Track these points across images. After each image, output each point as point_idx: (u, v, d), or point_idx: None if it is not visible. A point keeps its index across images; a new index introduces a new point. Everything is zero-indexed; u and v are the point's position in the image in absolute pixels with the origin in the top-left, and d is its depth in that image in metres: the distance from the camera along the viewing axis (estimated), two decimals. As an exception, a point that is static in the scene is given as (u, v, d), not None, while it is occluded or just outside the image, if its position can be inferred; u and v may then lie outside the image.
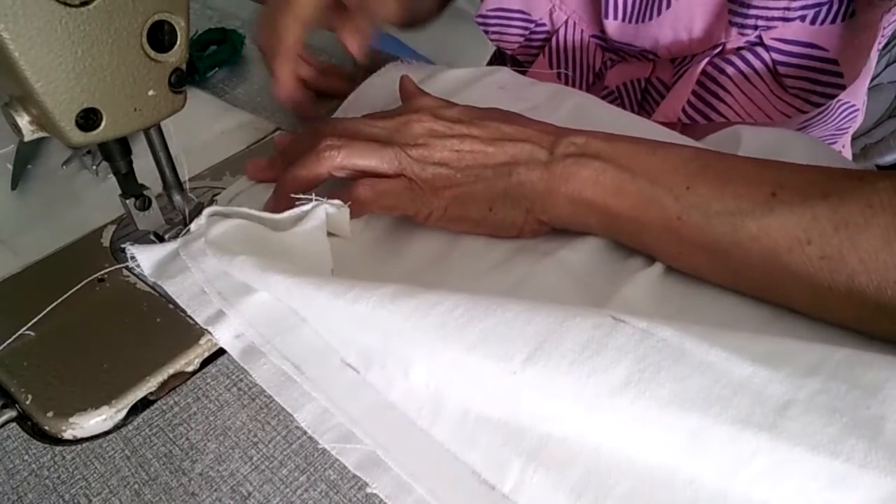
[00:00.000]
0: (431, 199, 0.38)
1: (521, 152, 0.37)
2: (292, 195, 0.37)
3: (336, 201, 0.36)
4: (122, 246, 0.38)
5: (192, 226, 0.39)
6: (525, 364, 0.27)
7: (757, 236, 0.31)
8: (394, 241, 0.40)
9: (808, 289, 0.30)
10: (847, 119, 0.55)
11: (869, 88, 0.57)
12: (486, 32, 0.59)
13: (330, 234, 0.38)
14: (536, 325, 0.28)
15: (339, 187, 0.38)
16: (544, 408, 0.28)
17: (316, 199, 0.36)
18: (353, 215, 0.37)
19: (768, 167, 0.33)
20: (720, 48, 0.51)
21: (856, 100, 0.54)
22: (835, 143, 0.59)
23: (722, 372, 0.26)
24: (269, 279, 0.33)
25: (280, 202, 0.38)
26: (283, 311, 0.35)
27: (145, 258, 0.38)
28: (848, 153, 0.62)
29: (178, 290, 0.36)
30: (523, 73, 0.60)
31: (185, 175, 0.40)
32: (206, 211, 0.38)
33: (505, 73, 0.52)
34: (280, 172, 0.40)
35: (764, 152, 0.39)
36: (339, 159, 0.38)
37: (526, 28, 0.59)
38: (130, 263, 0.38)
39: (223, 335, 0.35)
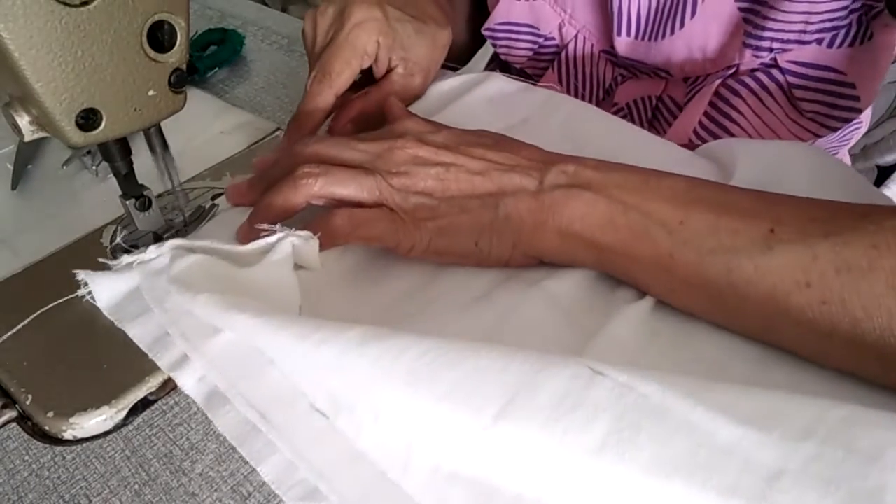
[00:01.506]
0: (413, 230, 0.35)
1: (508, 182, 0.35)
2: (258, 226, 0.35)
3: (304, 233, 0.34)
4: (74, 272, 0.35)
5: (151, 253, 0.35)
6: (496, 419, 0.25)
7: (753, 278, 0.29)
8: (372, 270, 0.38)
9: (809, 335, 0.29)
10: (850, 132, 0.55)
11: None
12: (494, 46, 0.58)
13: (301, 266, 0.36)
14: (510, 374, 0.26)
15: (317, 214, 0.36)
16: (516, 467, 0.26)
17: (283, 230, 0.34)
18: (328, 245, 0.35)
19: (766, 200, 0.31)
20: (734, 69, 0.50)
21: (861, 115, 0.54)
22: (836, 152, 0.59)
23: (707, 434, 0.23)
24: (234, 319, 0.31)
25: (252, 231, 0.36)
26: (250, 353, 0.32)
27: (102, 289, 0.35)
28: (846, 156, 0.62)
29: (140, 333, 0.34)
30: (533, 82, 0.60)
31: (180, 177, 0.40)
32: (169, 244, 0.35)
33: (495, 82, 0.51)
34: (258, 196, 0.39)
35: (766, 166, 0.38)
36: (317, 188, 0.36)
37: (534, 42, 0.58)
38: (82, 291, 0.35)
39: (186, 381, 0.32)
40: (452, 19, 0.53)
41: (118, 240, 0.41)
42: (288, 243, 0.34)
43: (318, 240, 0.34)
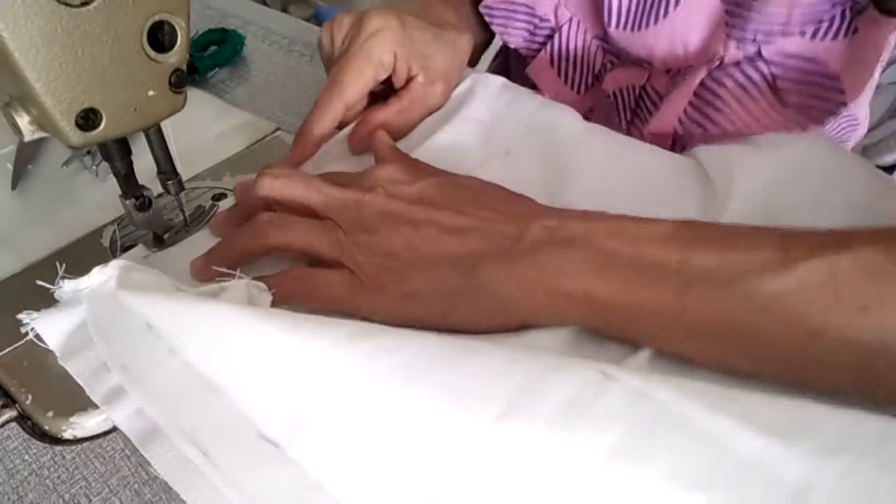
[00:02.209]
0: (375, 296, 0.33)
1: (485, 245, 0.32)
2: (214, 267, 0.34)
3: (260, 284, 0.33)
4: (19, 317, 0.33)
5: (96, 276, 0.34)
6: (498, 421, 0.23)
7: (777, 298, 0.26)
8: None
9: (846, 355, 0.25)
10: (847, 130, 0.55)
11: (869, 89, 0.57)
12: (491, 24, 0.58)
13: None
14: (515, 376, 0.24)
15: (273, 274, 0.35)
16: (516, 477, 0.23)
17: (239, 276, 0.33)
18: (282, 303, 0.33)
19: (765, 230, 0.29)
20: (719, 61, 0.50)
21: (857, 111, 0.54)
22: None
23: (728, 446, 0.22)
24: (212, 311, 0.29)
25: (207, 269, 0.35)
26: (194, 383, 0.30)
27: (49, 329, 0.33)
28: None
29: (79, 368, 0.32)
30: (524, 64, 0.60)
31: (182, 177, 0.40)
32: (112, 264, 0.34)
33: (478, 104, 0.49)
34: (237, 223, 0.38)
35: (776, 167, 0.37)
36: (274, 239, 0.35)
37: (530, 23, 0.58)
38: (30, 335, 0.33)
39: (120, 414, 0.30)
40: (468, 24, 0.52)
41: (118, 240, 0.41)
42: (243, 286, 0.32)
43: (272, 294, 0.33)
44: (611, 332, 0.31)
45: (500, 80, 0.52)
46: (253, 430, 0.28)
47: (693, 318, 0.28)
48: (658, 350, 0.30)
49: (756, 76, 0.50)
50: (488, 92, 0.50)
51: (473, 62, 0.64)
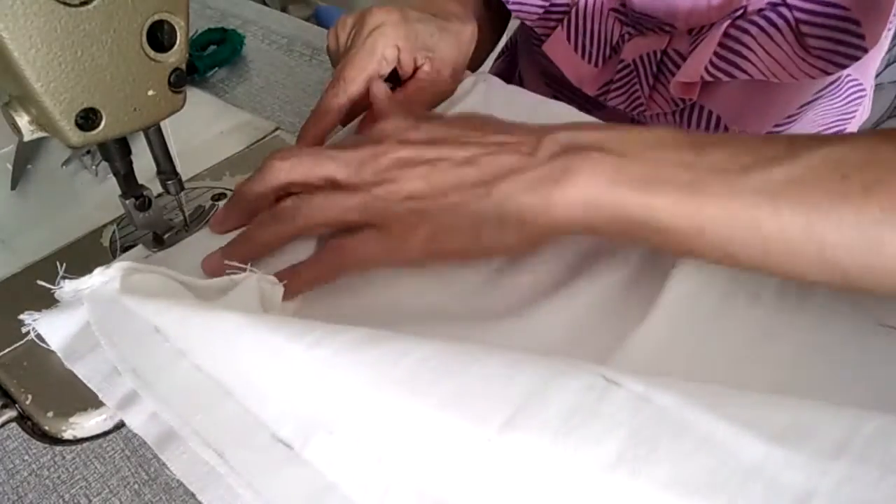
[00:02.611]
0: (408, 242, 0.34)
1: (500, 166, 0.33)
2: (226, 262, 0.33)
3: (271, 277, 0.33)
4: (21, 317, 0.33)
5: (97, 277, 0.33)
6: (503, 430, 0.23)
7: (787, 184, 0.28)
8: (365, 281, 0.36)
9: (854, 234, 0.27)
10: (854, 100, 0.55)
11: (869, 88, 0.57)
12: (507, 2, 0.58)
13: None
14: (519, 383, 0.24)
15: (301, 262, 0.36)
16: (520, 483, 0.24)
17: (251, 270, 0.33)
18: (323, 282, 0.35)
19: (772, 135, 0.31)
20: (742, 10, 0.50)
21: (863, 79, 0.53)
22: (843, 129, 0.59)
23: (731, 452, 0.22)
24: (217, 319, 0.29)
25: (222, 265, 0.34)
26: (205, 386, 0.30)
27: (52, 330, 0.33)
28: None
29: (88, 372, 0.32)
30: (540, 43, 0.60)
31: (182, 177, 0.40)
32: (116, 265, 0.33)
33: (476, 103, 0.49)
34: (237, 223, 0.38)
35: None
36: (302, 221, 0.35)
37: (546, 0, 0.59)
38: (31, 336, 0.33)
39: (135, 419, 0.30)
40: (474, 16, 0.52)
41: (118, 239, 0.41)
42: (254, 281, 0.33)
43: (283, 287, 0.33)
44: (629, 236, 0.31)
45: (496, 80, 0.52)
46: (267, 432, 0.28)
47: (707, 211, 0.29)
48: (663, 332, 0.31)
49: (780, 21, 0.50)
50: (485, 91, 0.50)
51: (479, 62, 0.64)
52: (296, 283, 0.35)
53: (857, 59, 0.49)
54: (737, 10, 0.50)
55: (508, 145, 0.34)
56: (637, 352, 0.31)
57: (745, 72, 0.51)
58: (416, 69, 0.47)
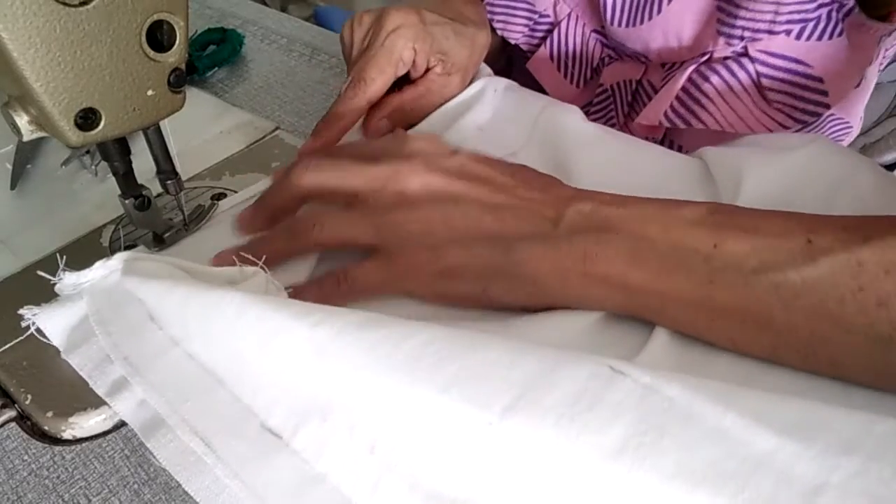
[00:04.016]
0: (412, 276, 0.34)
1: (522, 225, 0.33)
2: (236, 256, 0.34)
3: (277, 283, 0.33)
4: (20, 312, 0.33)
5: (98, 270, 0.34)
6: (504, 414, 0.23)
7: (802, 291, 0.27)
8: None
9: (864, 346, 0.27)
10: (838, 134, 0.55)
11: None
12: (492, 21, 0.59)
13: None
14: (523, 369, 0.24)
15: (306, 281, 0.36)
16: (521, 471, 0.23)
17: (261, 267, 0.33)
18: (326, 303, 0.34)
19: (792, 216, 0.30)
20: (707, 56, 0.51)
21: (849, 117, 0.54)
22: None
23: (739, 443, 0.21)
24: (220, 298, 0.29)
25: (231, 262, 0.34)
26: (197, 373, 0.30)
27: (53, 327, 0.33)
28: None
29: (81, 361, 0.32)
30: (526, 59, 0.60)
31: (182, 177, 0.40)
32: (117, 256, 0.33)
33: (484, 107, 0.49)
34: (262, 226, 0.39)
35: (783, 169, 0.37)
36: (314, 239, 0.35)
37: (530, 18, 0.59)
38: (32, 330, 0.33)
39: (124, 406, 0.30)
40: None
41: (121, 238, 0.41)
42: (262, 280, 0.33)
43: (288, 294, 0.33)
44: (641, 316, 0.32)
45: (504, 82, 0.52)
46: (256, 422, 0.28)
47: (722, 302, 0.29)
48: (672, 343, 0.31)
49: (742, 74, 0.50)
50: (494, 94, 0.51)
51: (488, 60, 0.64)
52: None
53: (818, 115, 0.49)
54: (704, 53, 0.51)
55: (534, 206, 0.33)
56: (646, 361, 0.31)
57: (701, 121, 0.51)
58: (427, 69, 0.48)
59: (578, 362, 0.24)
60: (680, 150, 0.56)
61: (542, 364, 0.24)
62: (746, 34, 0.48)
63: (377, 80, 0.44)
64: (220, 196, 0.44)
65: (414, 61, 0.46)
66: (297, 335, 0.27)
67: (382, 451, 0.26)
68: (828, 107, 0.49)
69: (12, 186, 0.46)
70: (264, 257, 0.33)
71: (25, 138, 0.31)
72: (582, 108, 0.49)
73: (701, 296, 0.29)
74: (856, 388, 0.28)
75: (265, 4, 0.90)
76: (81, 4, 0.28)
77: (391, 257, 0.34)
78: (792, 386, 0.29)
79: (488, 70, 0.53)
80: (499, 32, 0.60)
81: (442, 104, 0.49)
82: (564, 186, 0.35)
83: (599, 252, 0.31)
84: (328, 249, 0.37)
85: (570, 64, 0.60)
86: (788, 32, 0.48)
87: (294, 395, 0.28)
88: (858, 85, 0.51)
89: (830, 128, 0.54)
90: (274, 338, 0.28)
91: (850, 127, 0.54)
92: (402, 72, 0.46)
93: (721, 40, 0.49)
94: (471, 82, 0.51)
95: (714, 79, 0.51)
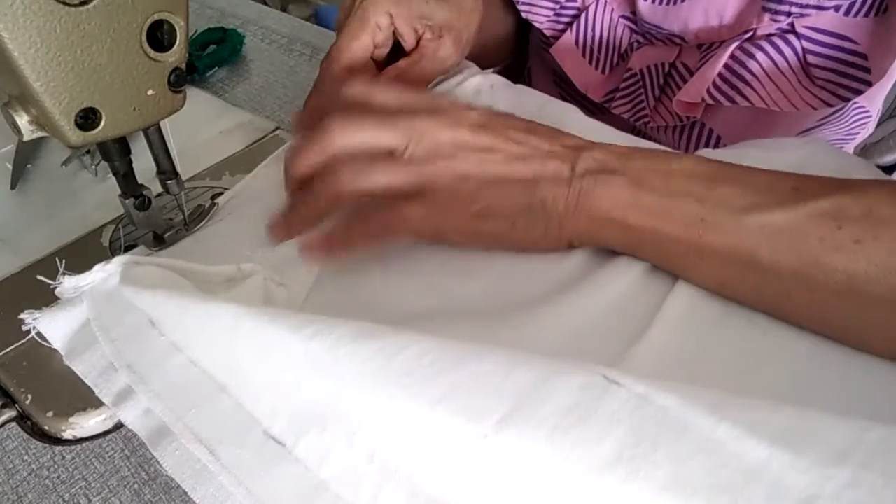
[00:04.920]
0: (451, 216, 0.36)
1: (545, 169, 0.36)
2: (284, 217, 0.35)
3: (276, 278, 0.33)
4: (21, 316, 0.33)
5: (97, 273, 0.34)
6: (499, 427, 0.23)
7: (786, 228, 0.30)
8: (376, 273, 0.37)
9: (843, 283, 0.29)
10: (859, 124, 0.55)
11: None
12: (517, 3, 0.58)
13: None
14: (516, 380, 0.24)
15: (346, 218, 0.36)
16: (516, 482, 0.24)
17: (256, 267, 0.33)
18: (367, 244, 0.36)
19: (780, 173, 0.33)
20: (751, 33, 0.50)
21: (871, 106, 0.54)
22: (843, 146, 0.59)
23: (732, 454, 0.22)
24: (214, 310, 0.29)
25: (283, 230, 0.36)
26: (200, 381, 0.30)
27: (54, 331, 0.33)
28: (852, 152, 0.62)
29: (85, 368, 0.32)
30: (549, 45, 0.60)
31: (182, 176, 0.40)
32: (118, 259, 0.34)
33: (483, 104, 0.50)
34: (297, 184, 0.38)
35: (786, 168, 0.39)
36: (361, 184, 0.36)
37: (556, 3, 0.58)
38: (32, 334, 0.33)
39: (130, 414, 0.30)
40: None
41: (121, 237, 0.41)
42: (260, 280, 0.33)
43: (285, 287, 0.34)
44: (640, 255, 0.36)
45: (502, 80, 0.52)
46: (259, 429, 0.28)
47: (713, 241, 0.32)
48: (669, 340, 0.32)
49: (788, 51, 0.50)
50: (490, 90, 0.50)
51: (501, 53, 0.64)
52: (334, 245, 0.36)
53: (860, 92, 0.49)
54: (746, 31, 0.50)
55: (553, 154, 0.37)
56: (640, 362, 0.31)
57: (746, 98, 0.51)
58: (418, 39, 0.47)
59: (571, 372, 0.24)
60: (711, 133, 0.56)
61: (536, 375, 0.24)
62: (794, 10, 0.48)
63: (350, 46, 0.45)
64: (219, 195, 0.44)
65: (397, 30, 0.46)
66: (292, 348, 0.27)
67: (382, 460, 0.26)
68: (870, 84, 0.49)
69: (12, 186, 0.46)
70: (263, 257, 0.33)
71: (26, 138, 0.31)
72: (607, 93, 0.49)
73: (693, 234, 0.32)
74: (853, 380, 0.29)
75: (265, 4, 0.90)
76: (81, 4, 0.28)
77: (435, 199, 0.36)
78: (786, 379, 0.30)
79: (475, 67, 0.53)
80: (523, 16, 0.59)
81: (442, 71, 0.49)
82: (575, 137, 0.38)
83: (605, 195, 0.34)
84: (363, 198, 0.36)
85: (596, 49, 0.59)
86: (837, 8, 0.48)
87: (293, 404, 0.28)
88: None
89: (852, 116, 0.53)
90: (270, 350, 0.28)
91: (870, 116, 0.54)
92: (379, 38, 0.46)
93: (766, 17, 0.49)
94: (456, 76, 0.51)
95: (759, 55, 0.50)
